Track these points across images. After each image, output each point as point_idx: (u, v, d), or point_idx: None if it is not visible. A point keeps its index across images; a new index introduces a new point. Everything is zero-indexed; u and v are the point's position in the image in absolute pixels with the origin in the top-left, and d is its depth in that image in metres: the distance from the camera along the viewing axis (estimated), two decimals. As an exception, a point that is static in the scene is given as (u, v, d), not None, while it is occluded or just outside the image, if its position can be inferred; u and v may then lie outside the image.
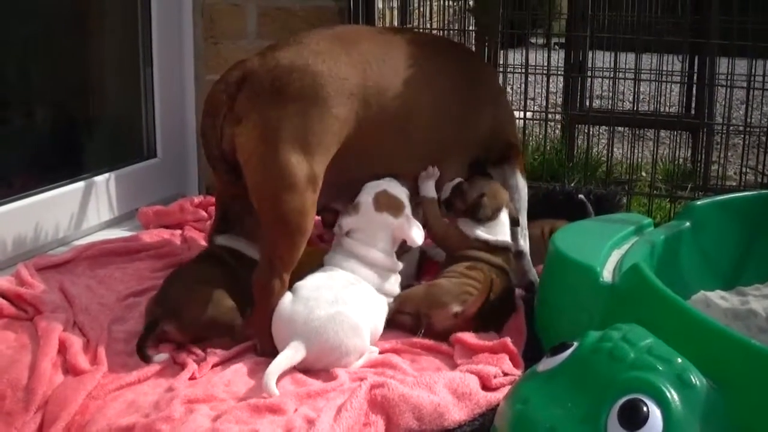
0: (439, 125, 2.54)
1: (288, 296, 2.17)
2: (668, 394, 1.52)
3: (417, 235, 2.37)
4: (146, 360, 2.13)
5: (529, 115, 4.12)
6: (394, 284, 2.37)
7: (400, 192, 2.41)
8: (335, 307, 2.11)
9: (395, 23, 3.56)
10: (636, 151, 3.66)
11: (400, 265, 2.40)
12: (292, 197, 2.23)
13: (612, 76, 3.67)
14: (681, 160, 4.12)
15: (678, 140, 4.13)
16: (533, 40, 4.71)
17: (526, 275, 2.63)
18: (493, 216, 2.51)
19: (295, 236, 2.24)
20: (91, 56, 3.44)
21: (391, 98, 2.42)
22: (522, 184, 2.73)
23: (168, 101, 3.50)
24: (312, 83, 2.26)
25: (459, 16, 3.90)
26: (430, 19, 3.75)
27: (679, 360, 1.59)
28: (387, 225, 2.36)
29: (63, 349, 2.14)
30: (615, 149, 3.90)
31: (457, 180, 2.58)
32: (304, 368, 2.08)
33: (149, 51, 3.43)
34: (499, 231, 2.51)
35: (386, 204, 2.37)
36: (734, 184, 3.96)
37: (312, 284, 2.20)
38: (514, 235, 2.59)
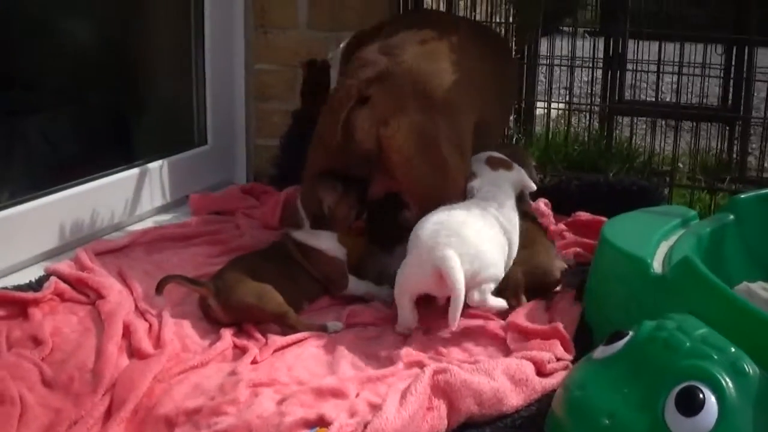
0: (499, 99, 2.81)
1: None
2: (723, 381, 1.56)
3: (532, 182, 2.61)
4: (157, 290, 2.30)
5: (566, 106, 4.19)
6: (515, 225, 2.46)
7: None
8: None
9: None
10: (676, 142, 3.69)
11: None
12: (453, 194, 2.45)
13: (638, 68, 3.89)
14: (717, 151, 4.14)
15: (711, 132, 4.17)
16: (566, 29, 4.70)
17: None
18: None
19: None
20: (144, 47, 3.46)
21: (477, 80, 2.62)
22: None
23: (218, 90, 3.53)
24: (449, 87, 2.47)
25: (503, 7, 3.92)
26: (474, 10, 3.78)
27: (733, 349, 1.63)
28: (506, 178, 2.54)
29: (127, 333, 2.18)
30: (650, 141, 3.95)
31: None
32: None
33: (201, 41, 3.46)
34: None
35: (498, 163, 2.57)
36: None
37: (434, 218, 2.31)
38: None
